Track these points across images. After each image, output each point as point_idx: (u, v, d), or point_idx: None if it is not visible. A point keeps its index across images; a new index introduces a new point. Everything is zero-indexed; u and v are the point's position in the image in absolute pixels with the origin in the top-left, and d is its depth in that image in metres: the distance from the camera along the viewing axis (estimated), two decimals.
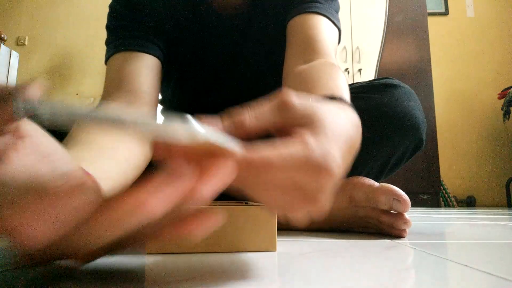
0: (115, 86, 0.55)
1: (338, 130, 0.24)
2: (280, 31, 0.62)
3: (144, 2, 0.62)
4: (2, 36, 2.55)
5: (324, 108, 0.25)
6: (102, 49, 0.62)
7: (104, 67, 0.60)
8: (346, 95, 0.39)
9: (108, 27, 0.63)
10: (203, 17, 0.65)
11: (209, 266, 0.29)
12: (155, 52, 0.60)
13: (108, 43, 0.62)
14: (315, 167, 0.21)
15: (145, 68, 0.57)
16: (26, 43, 3.11)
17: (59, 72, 3.08)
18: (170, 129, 0.18)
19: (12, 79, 2.56)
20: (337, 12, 0.63)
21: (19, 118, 0.17)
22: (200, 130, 0.19)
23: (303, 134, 0.23)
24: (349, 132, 0.25)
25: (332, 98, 0.33)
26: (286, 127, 0.24)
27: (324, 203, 0.23)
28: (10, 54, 2.54)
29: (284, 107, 0.24)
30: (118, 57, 0.58)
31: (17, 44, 3.09)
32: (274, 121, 0.24)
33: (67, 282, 0.23)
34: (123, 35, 0.60)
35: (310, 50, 0.54)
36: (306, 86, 0.44)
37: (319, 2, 0.60)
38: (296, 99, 0.24)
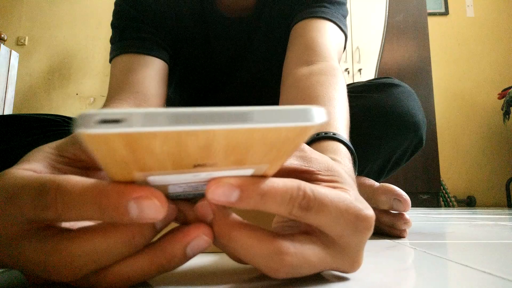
0: (122, 87, 0.54)
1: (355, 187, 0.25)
2: (286, 36, 0.61)
3: (151, 3, 0.62)
4: (2, 36, 2.55)
5: (339, 167, 0.26)
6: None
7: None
8: (342, 123, 0.39)
9: (113, 25, 0.62)
10: (209, 20, 0.64)
11: (211, 266, 0.29)
12: (161, 55, 0.59)
13: (113, 41, 0.61)
14: (359, 215, 0.21)
15: (153, 72, 0.57)
16: (26, 43, 3.11)
17: (59, 72, 3.08)
18: None
19: (12, 79, 2.56)
20: (344, 17, 0.62)
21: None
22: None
23: (341, 185, 0.23)
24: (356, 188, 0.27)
25: (327, 135, 0.34)
26: (306, 176, 0.24)
27: (360, 261, 0.24)
28: (10, 54, 2.54)
29: (306, 159, 0.24)
30: (125, 58, 0.58)
31: (17, 44, 3.09)
32: (297, 168, 0.24)
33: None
34: (129, 36, 0.59)
35: (311, 51, 0.53)
36: (303, 103, 0.44)
37: (325, 7, 0.59)
38: (313, 153, 0.25)
